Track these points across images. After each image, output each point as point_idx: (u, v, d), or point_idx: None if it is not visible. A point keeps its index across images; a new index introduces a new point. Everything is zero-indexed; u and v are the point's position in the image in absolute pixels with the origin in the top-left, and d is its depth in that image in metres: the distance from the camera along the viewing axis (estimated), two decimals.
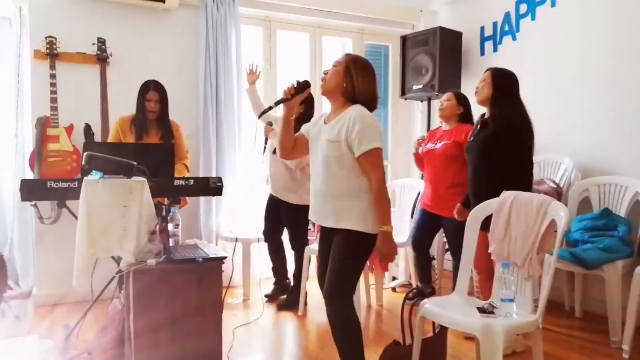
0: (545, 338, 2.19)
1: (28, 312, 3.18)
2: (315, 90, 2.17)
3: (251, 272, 3.58)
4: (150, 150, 2.53)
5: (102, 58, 3.40)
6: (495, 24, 3.92)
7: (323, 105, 4.07)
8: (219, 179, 2.35)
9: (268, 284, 3.56)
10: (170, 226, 2.13)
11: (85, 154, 1.99)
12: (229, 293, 3.56)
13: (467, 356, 2.47)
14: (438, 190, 3.07)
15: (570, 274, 3.12)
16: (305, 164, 3.15)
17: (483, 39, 4.03)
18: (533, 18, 3.63)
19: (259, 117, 2.29)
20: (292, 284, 3.44)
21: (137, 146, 2.73)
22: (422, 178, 3.55)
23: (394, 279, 3.98)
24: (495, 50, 3.93)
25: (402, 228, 3.56)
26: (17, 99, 3.53)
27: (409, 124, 4.70)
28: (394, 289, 3.80)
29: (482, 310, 1.93)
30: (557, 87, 3.46)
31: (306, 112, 2.96)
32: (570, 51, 3.38)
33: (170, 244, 2.09)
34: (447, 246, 3.74)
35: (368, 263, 3.33)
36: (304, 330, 2.98)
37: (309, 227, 3.58)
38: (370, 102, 1.98)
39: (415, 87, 4.01)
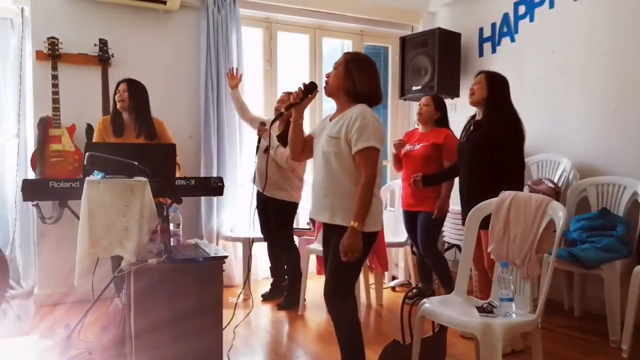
0: (545, 337, 2.19)
1: (29, 312, 3.19)
2: (320, 90, 2.19)
3: (251, 271, 3.60)
4: (152, 150, 2.53)
5: (103, 59, 3.42)
6: (493, 25, 3.94)
7: (324, 106, 4.10)
8: (220, 179, 2.36)
9: (267, 284, 3.57)
10: (171, 226, 2.14)
11: (87, 154, 2.00)
12: (229, 292, 3.57)
13: (467, 355, 2.48)
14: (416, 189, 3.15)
15: (569, 274, 3.13)
16: (296, 165, 3.19)
17: (482, 41, 4.05)
18: (532, 19, 3.65)
19: (271, 124, 2.33)
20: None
21: (138, 146, 2.73)
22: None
23: (393, 278, 3.99)
24: (494, 51, 3.95)
25: (401, 228, 3.57)
26: (20, 100, 3.55)
27: (408, 124, 4.71)
28: (393, 289, 3.81)
29: (481, 309, 1.94)
30: (556, 87, 3.47)
31: None
32: (569, 52, 3.39)
33: (171, 244, 2.10)
34: (446, 245, 3.77)
35: (368, 263, 3.36)
36: (303, 329, 2.99)
37: (308, 227, 3.60)
38: (374, 97, 1.99)
39: (414, 88, 4.03)
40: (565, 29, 3.41)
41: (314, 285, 3.50)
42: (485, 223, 2.22)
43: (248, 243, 3.53)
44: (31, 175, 3.29)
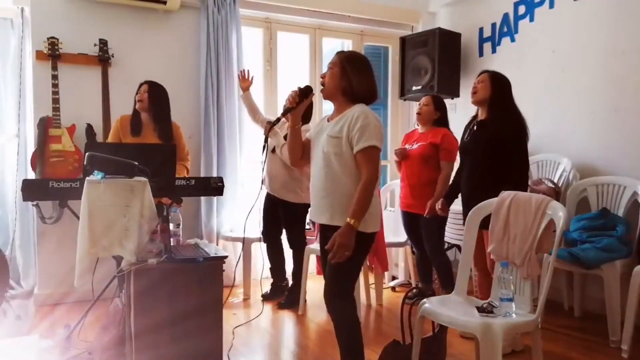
0: (545, 337, 2.20)
1: (29, 312, 3.19)
2: (316, 91, 2.19)
3: (251, 271, 3.60)
4: (152, 151, 2.53)
5: (103, 59, 3.42)
6: (493, 25, 3.94)
7: (323, 107, 4.10)
8: (220, 179, 2.36)
9: (267, 284, 3.57)
10: (171, 226, 2.14)
11: (87, 154, 2.00)
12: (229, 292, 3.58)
13: (467, 355, 2.48)
14: (415, 188, 3.20)
15: (569, 274, 3.13)
16: (306, 164, 3.16)
17: (482, 40, 4.05)
18: (532, 19, 3.65)
19: (269, 130, 2.32)
20: (289, 285, 3.45)
21: (138, 146, 2.74)
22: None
23: (393, 278, 3.99)
24: (494, 51, 3.95)
25: (401, 228, 3.57)
26: (20, 100, 3.55)
27: (408, 124, 4.72)
28: (393, 289, 3.81)
29: (481, 309, 1.94)
30: (555, 87, 3.47)
31: (305, 114, 2.97)
32: (568, 52, 3.39)
33: (171, 244, 2.10)
34: (446, 245, 3.76)
35: (368, 263, 3.36)
36: (304, 329, 2.99)
37: (309, 227, 3.60)
38: (371, 95, 1.99)
39: (414, 88, 4.03)
40: (565, 29, 3.42)
41: (314, 285, 3.50)
42: (485, 223, 2.22)
43: (244, 243, 3.54)
44: (31, 175, 3.29)
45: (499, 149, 2.46)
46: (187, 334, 2.00)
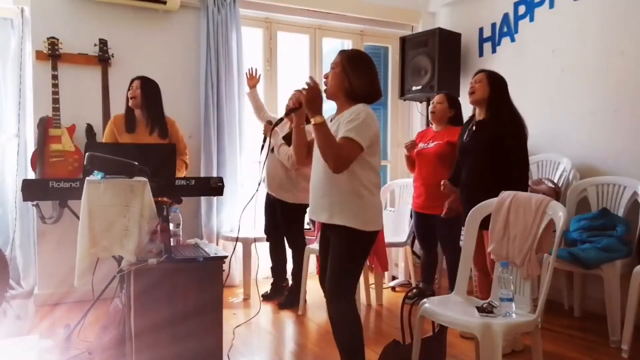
0: (545, 337, 2.20)
1: (29, 312, 3.19)
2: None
3: (251, 271, 3.60)
4: (152, 150, 2.53)
5: (103, 59, 3.42)
6: (493, 25, 3.94)
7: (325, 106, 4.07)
8: (220, 179, 2.36)
9: (267, 283, 3.57)
10: (171, 226, 2.14)
11: (87, 154, 2.00)
12: (229, 292, 3.58)
13: (467, 355, 2.48)
14: (430, 189, 3.13)
15: (569, 274, 3.13)
16: (302, 165, 3.18)
17: (482, 40, 4.05)
18: (532, 19, 3.65)
19: (270, 130, 2.30)
20: (289, 285, 3.45)
21: (138, 146, 2.74)
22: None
23: (393, 278, 3.99)
24: (494, 51, 3.95)
25: (401, 228, 3.57)
26: (20, 100, 3.55)
27: (408, 124, 4.72)
28: (393, 289, 3.81)
29: (481, 309, 1.94)
30: (555, 87, 3.47)
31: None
32: (568, 52, 3.40)
33: (171, 244, 2.10)
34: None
35: (368, 263, 3.35)
36: (304, 329, 2.99)
37: (308, 227, 3.60)
38: (372, 94, 1.98)
39: (414, 88, 4.03)
40: (565, 29, 3.42)
41: (314, 285, 3.49)
42: (485, 223, 2.22)
43: (248, 244, 3.54)
44: (31, 175, 3.29)
45: (498, 149, 2.46)
46: (187, 334, 2.00)
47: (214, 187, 2.34)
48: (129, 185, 1.93)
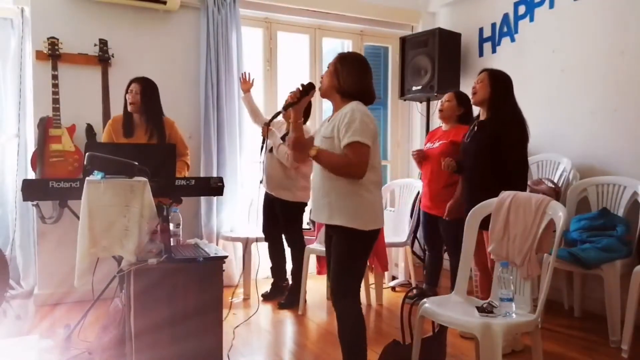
0: (545, 337, 2.20)
1: (29, 312, 3.19)
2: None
3: (251, 271, 3.60)
4: (152, 151, 2.54)
5: (103, 59, 3.42)
6: (493, 25, 3.94)
7: (323, 107, 4.10)
8: (220, 179, 2.36)
9: (267, 283, 3.58)
10: (171, 226, 2.14)
11: (87, 154, 2.00)
12: (229, 292, 3.57)
13: (467, 355, 2.48)
14: (434, 189, 3.12)
15: (569, 274, 3.13)
16: (300, 164, 3.18)
17: (482, 40, 4.05)
18: (532, 19, 3.65)
19: (269, 123, 2.32)
20: (289, 285, 3.45)
21: (138, 146, 2.74)
22: (420, 177, 3.58)
23: (393, 278, 3.99)
24: (494, 51, 3.95)
25: (401, 228, 3.57)
26: (20, 100, 3.55)
27: (408, 124, 4.72)
28: (393, 289, 3.81)
29: (481, 309, 1.94)
30: (555, 87, 3.47)
31: (304, 113, 2.98)
32: (568, 52, 3.40)
33: (171, 244, 2.10)
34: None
35: (368, 262, 3.35)
36: (304, 329, 2.99)
37: (308, 227, 3.60)
38: (363, 95, 1.99)
39: (414, 88, 4.03)
40: (565, 29, 3.42)
41: (314, 285, 3.51)
42: (485, 223, 2.22)
43: (246, 243, 3.54)
44: (31, 175, 3.29)
45: (498, 149, 2.46)
46: (187, 334, 2.00)
47: (214, 187, 2.34)
48: (129, 185, 1.93)
